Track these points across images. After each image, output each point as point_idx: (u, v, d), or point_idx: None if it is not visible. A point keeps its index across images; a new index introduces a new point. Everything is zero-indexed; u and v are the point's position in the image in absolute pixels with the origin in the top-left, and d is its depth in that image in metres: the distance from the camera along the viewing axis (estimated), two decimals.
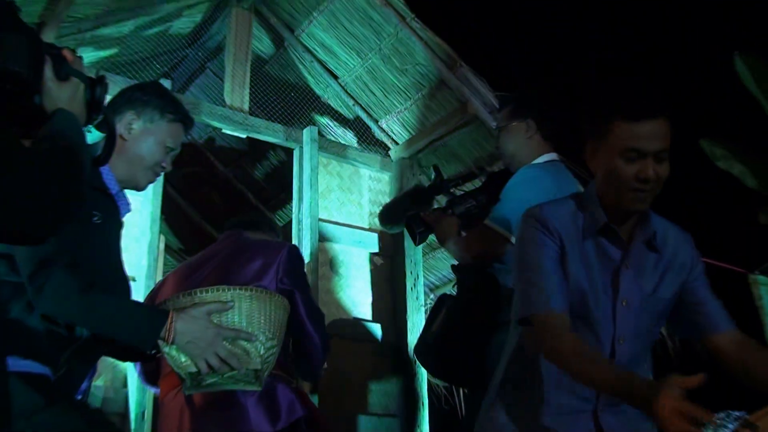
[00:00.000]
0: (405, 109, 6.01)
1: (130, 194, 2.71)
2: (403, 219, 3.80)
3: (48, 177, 1.52)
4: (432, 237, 3.66)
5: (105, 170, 2.56)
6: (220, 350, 2.39)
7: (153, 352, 2.57)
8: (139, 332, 2.39)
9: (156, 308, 2.54)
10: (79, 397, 2.50)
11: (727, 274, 5.62)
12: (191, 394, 2.84)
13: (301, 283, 3.24)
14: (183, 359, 2.41)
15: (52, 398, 2.18)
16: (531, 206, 2.56)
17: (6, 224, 1.45)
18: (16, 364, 2.17)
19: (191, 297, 2.49)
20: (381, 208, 4.32)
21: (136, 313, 2.47)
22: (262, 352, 2.51)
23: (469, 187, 3.89)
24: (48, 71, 1.80)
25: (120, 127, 2.62)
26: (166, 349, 2.41)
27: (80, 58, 1.96)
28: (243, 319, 2.49)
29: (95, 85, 1.96)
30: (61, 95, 1.82)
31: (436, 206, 3.87)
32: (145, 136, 2.65)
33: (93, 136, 2.19)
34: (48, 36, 4.84)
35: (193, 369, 2.42)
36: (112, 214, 2.56)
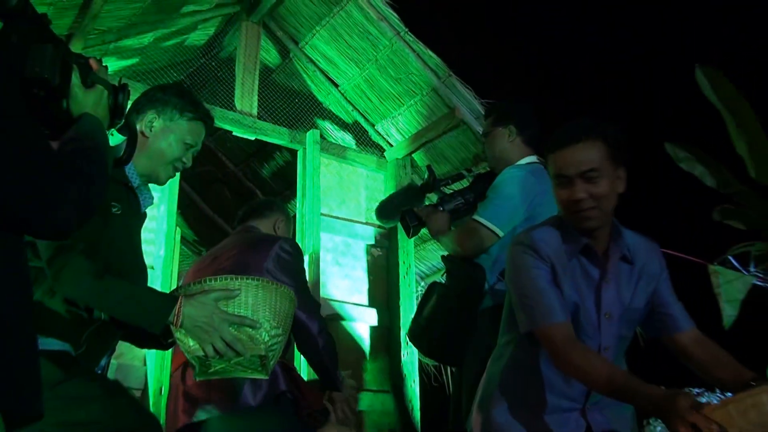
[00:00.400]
0: (399, 114, 6.03)
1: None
2: (397, 214, 3.80)
3: (72, 176, 1.51)
4: (424, 230, 3.67)
5: (128, 165, 2.53)
6: (225, 335, 2.29)
7: (170, 341, 2.51)
8: (149, 315, 2.31)
9: (166, 294, 2.46)
10: (99, 372, 2.47)
11: (690, 265, 5.66)
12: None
13: (290, 274, 3.14)
14: (191, 343, 2.32)
15: (73, 372, 2.18)
16: (519, 233, 2.56)
17: (31, 220, 1.42)
18: (39, 342, 2.19)
19: (201, 285, 2.39)
20: (378, 204, 4.31)
21: (146, 297, 2.39)
22: (266, 339, 2.40)
23: (457, 186, 3.90)
24: (75, 78, 1.78)
25: (142, 126, 2.58)
26: (177, 334, 2.33)
27: (105, 67, 1.95)
28: (249, 308, 2.39)
29: (118, 91, 1.93)
30: (87, 100, 1.80)
31: (427, 203, 3.88)
32: (165, 133, 2.59)
33: (115, 139, 2.14)
34: (75, 46, 4.85)
35: (201, 353, 2.33)
36: (132, 205, 2.53)
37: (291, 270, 3.16)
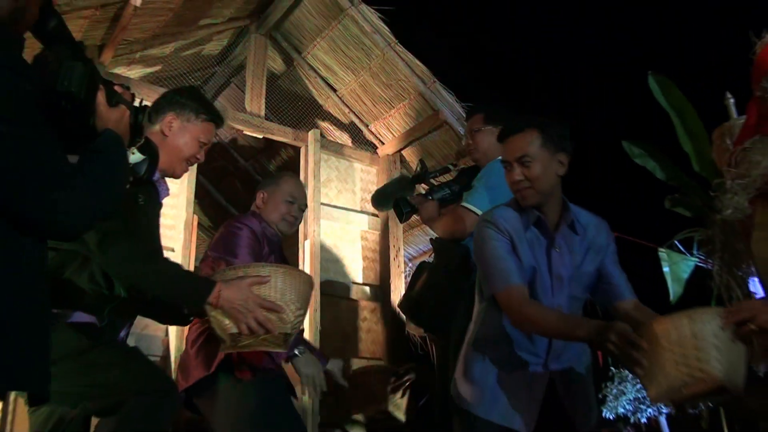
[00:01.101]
0: (389, 116, 6.08)
1: (170, 181, 2.71)
2: (390, 201, 3.82)
3: (85, 184, 1.50)
4: (414, 216, 3.70)
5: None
6: (258, 315, 2.33)
7: (190, 318, 2.57)
8: (190, 296, 2.36)
9: (204, 278, 2.48)
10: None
11: (642, 248, 5.73)
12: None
13: (222, 252, 3.03)
14: (227, 322, 2.35)
15: (98, 341, 2.25)
16: (484, 212, 2.66)
17: (35, 221, 1.42)
18: (70, 315, 2.24)
19: (236, 271, 2.42)
20: (373, 193, 4.31)
21: (188, 280, 2.43)
22: (291, 319, 2.43)
23: (443, 178, 3.94)
24: (101, 97, 1.78)
25: (162, 125, 2.60)
26: (212, 313, 2.36)
27: (132, 94, 1.95)
28: (278, 291, 2.41)
29: (138, 112, 1.91)
30: (110, 117, 1.78)
31: (416, 193, 3.91)
32: (182, 132, 2.61)
33: (135, 157, 2.10)
34: (107, 55, 4.88)
35: (234, 330, 2.35)
36: (153, 197, 2.54)
37: (223, 247, 3.06)
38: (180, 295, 2.37)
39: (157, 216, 2.62)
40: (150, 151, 2.15)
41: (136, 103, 1.92)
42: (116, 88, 1.88)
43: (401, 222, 3.79)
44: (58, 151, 1.48)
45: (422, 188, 3.85)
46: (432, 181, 3.81)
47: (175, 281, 2.36)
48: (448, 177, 3.95)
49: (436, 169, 3.94)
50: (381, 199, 4.10)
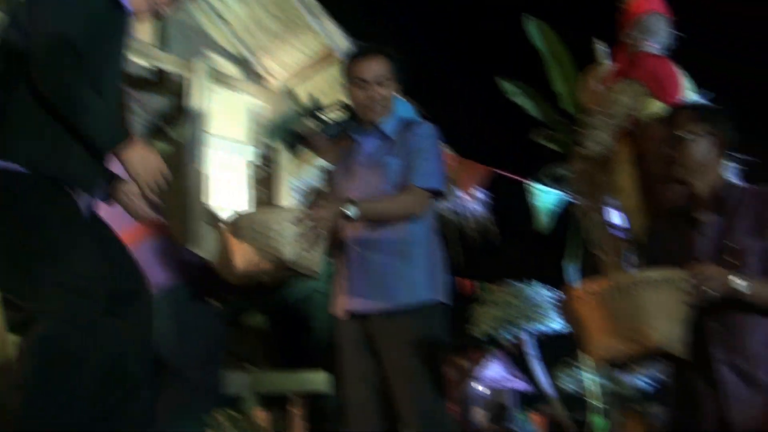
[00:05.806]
0: (282, 51, 5.94)
1: None
2: (281, 134, 3.84)
3: None
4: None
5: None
6: None
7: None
8: (106, 136, 2.21)
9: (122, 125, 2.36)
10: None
11: (513, 182, 5.97)
12: None
13: None
14: None
15: None
16: None
17: None
18: None
19: None
20: (264, 125, 4.25)
21: (113, 120, 2.26)
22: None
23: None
24: None
25: None
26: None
27: None
28: None
29: None
30: None
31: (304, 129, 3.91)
32: None
33: None
34: None
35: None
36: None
37: None
38: (96, 129, 2.20)
39: (121, 35, 2.48)
40: None
41: None
42: None
43: (292, 154, 3.82)
44: None
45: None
46: (322, 116, 3.82)
47: (94, 117, 2.18)
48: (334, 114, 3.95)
49: (326, 105, 3.95)
50: (271, 131, 4.09)
